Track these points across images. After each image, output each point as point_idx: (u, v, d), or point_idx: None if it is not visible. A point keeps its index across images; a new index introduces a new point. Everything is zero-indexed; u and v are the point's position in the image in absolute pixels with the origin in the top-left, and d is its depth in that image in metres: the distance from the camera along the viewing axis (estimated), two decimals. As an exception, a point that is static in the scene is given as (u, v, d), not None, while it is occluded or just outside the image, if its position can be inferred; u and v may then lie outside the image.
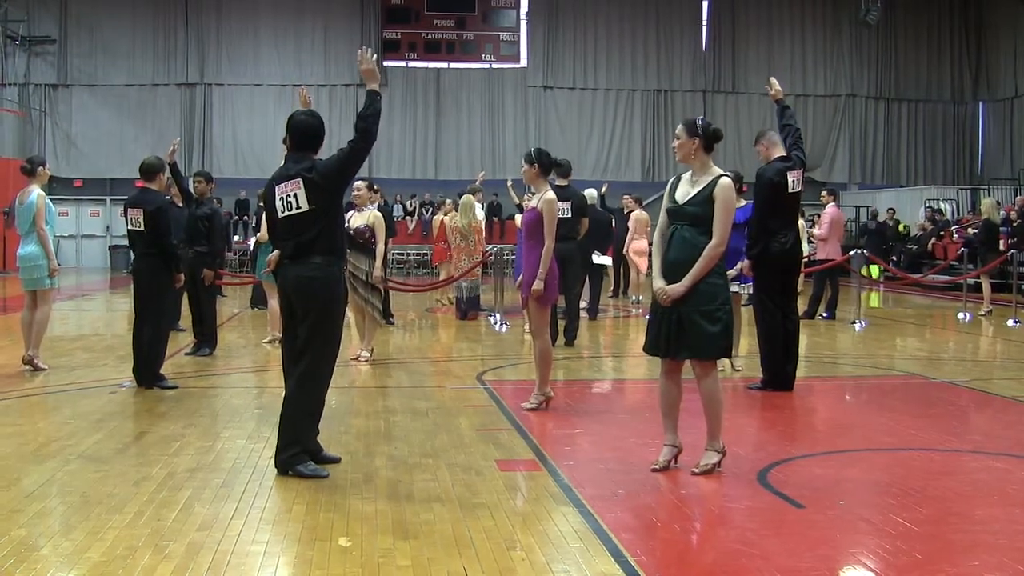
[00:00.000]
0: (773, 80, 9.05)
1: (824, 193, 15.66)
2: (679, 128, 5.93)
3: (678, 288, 5.68)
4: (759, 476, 5.81)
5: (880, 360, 11.41)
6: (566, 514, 5.03)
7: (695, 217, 5.74)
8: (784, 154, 8.67)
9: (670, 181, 6.08)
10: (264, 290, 12.80)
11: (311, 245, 5.79)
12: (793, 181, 8.57)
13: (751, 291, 9.28)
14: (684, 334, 5.70)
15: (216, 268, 11.18)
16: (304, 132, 5.96)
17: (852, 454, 6.60)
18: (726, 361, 9.43)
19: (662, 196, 6.11)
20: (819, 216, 16.54)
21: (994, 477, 5.95)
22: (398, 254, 26.63)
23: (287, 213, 5.84)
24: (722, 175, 5.80)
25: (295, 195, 5.78)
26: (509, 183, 16.12)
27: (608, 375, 10.55)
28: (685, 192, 5.85)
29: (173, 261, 8.87)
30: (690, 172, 5.93)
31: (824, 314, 15.25)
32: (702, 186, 5.79)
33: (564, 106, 30.20)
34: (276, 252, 6.22)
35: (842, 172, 30.84)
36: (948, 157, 31.53)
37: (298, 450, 5.77)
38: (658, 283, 5.80)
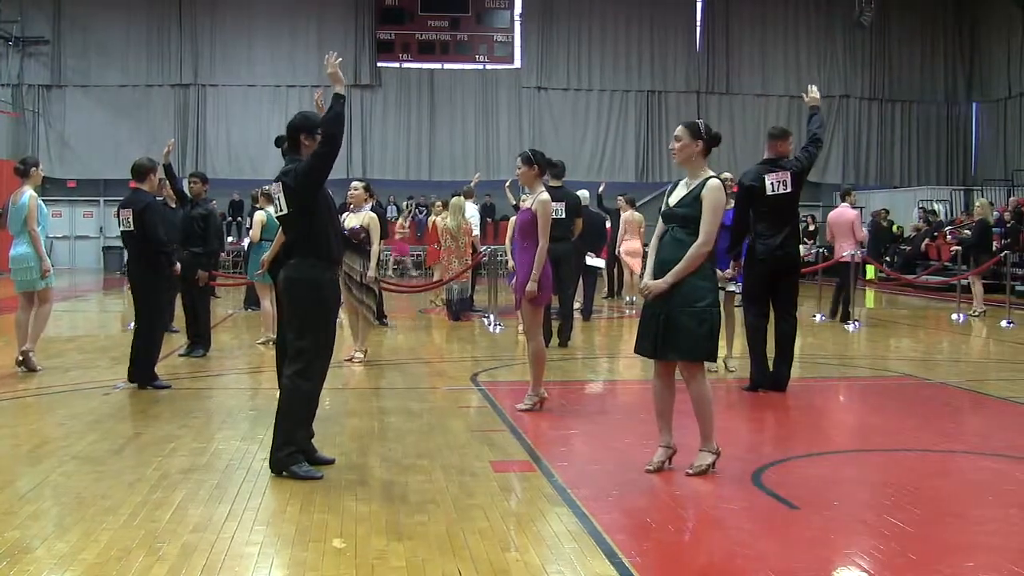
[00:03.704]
0: (812, 87, 9.04)
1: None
2: (680, 130, 5.91)
3: (660, 283, 5.72)
4: (753, 477, 5.81)
5: (874, 361, 11.43)
6: (560, 515, 5.03)
7: (684, 218, 5.78)
8: (770, 157, 8.69)
9: (669, 186, 6.13)
10: (257, 291, 12.79)
11: (299, 246, 5.89)
12: (772, 183, 8.52)
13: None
14: (671, 335, 5.71)
15: (210, 269, 11.16)
16: (291, 133, 6.15)
17: (847, 455, 6.62)
18: (721, 362, 9.44)
19: (656, 197, 6.15)
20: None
21: (988, 478, 5.97)
22: (389, 255, 26.54)
23: (277, 214, 6.07)
24: (711, 177, 5.83)
25: (279, 197, 5.96)
26: (508, 184, 16.10)
27: (602, 376, 10.54)
28: (678, 195, 5.91)
29: (164, 257, 8.85)
30: (686, 177, 5.96)
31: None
32: (692, 187, 5.83)
33: (558, 107, 30.17)
34: (267, 253, 6.29)
35: (835, 173, 30.82)
36: (941, 158, 31.57)
37: (293, 450, 5.77)
38: (644, 280, 5.87)
